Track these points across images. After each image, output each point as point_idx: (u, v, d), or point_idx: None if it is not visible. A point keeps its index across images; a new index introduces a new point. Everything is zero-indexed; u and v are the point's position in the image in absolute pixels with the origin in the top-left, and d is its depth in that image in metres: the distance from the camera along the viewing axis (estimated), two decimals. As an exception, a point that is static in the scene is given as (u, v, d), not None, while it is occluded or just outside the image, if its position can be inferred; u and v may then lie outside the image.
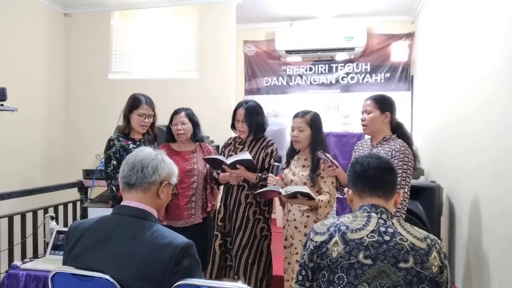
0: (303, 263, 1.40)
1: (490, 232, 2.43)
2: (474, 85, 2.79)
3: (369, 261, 1.28)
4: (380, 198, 1.40)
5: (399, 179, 2.16)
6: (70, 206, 3.76)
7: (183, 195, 2.72)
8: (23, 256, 3.13)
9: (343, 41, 5.25)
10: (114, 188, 2.57)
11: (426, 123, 4.46)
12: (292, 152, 2.63)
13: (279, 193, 2.34)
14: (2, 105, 3.09)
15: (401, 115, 3.18)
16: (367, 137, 2.56)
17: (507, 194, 2.16)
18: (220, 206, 2.85)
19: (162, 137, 2.93)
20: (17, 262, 2.76)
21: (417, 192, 3.10)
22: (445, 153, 3.53)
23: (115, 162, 2.58)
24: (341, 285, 1.29)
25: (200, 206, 2.78)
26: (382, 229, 1.33)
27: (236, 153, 2.73)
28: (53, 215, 3.19)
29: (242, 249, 2.70)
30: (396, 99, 2.49)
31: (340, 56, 5.47)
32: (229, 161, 2.58)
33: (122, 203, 1.41)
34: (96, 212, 3.27)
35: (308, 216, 2.45)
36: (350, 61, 5.49)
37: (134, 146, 2.63)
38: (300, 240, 2.43)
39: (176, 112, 2.80)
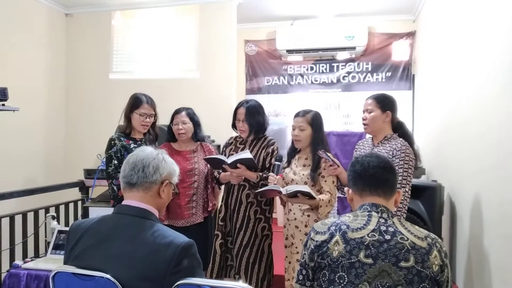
0: (304, 262, 1.40)
1: (491, 231, 2.43)
2: (475, 84, 2.78)
3: (370, 260, 1.28)
4: (380, 197, 1.40)
5: (400, 178, 2.16)
6: (71, 205, 3.77)
7: (184, 194, 2.72)
8: (25, 255, 3.13)
9: (344, 40, 5.25)
10: (115, 188, 2.57)
11: (428, 122, 4.45)
12: (293, 152, 2.62)
13: (280, 192, 2.34)
14: (3, 105, 3.09)
15: (402, 114, 3.18)
16: (368, 136, 2.55)
17: (509, 194, 2.16)
18: (221, 205, 2.85)
19: (163, 136, 2.93)
20: (18, 261, 2.77)
21: (418, 192, 3.10)
22: (447, 152, 3.52)
23: (116, 162, 2.58)
24: (342, 285, 1.29)
25: (201, 206, 2.78)
26: (383, 228, 1.32)
27: (237, 153, 2.73)
28: (54, 214, 3.19)
29: (243, 249, 2.70)
30: (397, 98, 2.48)
31: (341, 55, 5.47)
32: (229, 160, 2.58)
33: (123, 202, 1.41)
34: (97, 212, 3.28)
35: (308, 216, 2.45)
36: (351, 60, 5.49)
37: (135, 145, 2.63)
38: (300, 240, 2.42)
39: (177, 112, 2.80)
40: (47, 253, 2.87)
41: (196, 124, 2.81)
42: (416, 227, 1.37)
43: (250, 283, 2.62)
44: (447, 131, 3.51)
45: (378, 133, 2.38)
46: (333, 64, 5.55)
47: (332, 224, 1.38)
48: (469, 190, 2.82)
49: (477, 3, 2.81)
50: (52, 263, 2.61)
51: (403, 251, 1.28)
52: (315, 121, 2.51)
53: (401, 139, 2.30)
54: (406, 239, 1.30)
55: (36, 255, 3.15)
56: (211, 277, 2.69)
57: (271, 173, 2.51)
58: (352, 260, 1.29)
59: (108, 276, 1.24)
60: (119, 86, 4.79)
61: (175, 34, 4.86)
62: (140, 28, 4.95)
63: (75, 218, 3.75)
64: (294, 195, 2.30)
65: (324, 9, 5.10)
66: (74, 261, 1.34)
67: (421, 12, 4.85)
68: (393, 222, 1.35)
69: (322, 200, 2.33)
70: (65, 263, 1.36)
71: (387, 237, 1.30)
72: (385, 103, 2.36)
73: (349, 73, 5.51)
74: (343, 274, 1.29)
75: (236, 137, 2.89)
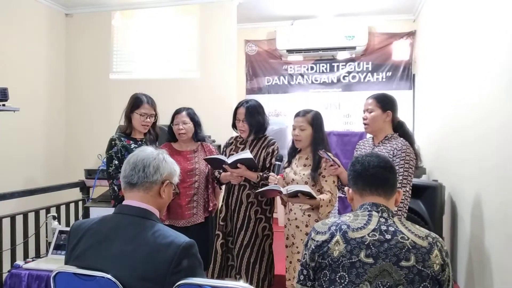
0: (305, 262, 1.40)
1: (492, 230, 2.43)
2: (476, 83, 2.78)
3: (370, 260, 1.28)
4: (380, 197, 1.40)
5: (400, 178, 2.16)
6: (72, 206, 3.77)
7: (184, 194, 2.72)
8: (26, 256, 3.13)
9: (344, 40, 5.25)
10: (116, 188, 2.57)
11: (428, 122, 4.45)
12: (294, 151, 2.62)
13: (280, 192, 2.34)
14: (3, 105, 3.09)
15: (403, 114, 3.17)
16: (368, 136, 2.55)
17: (510, 193, 2.15)
18: (221, 205, 2.85)
19: (164, 137, 2.93)
20: (19, 261, 2.77)
21: (419, 191, 3.10)
22: (447, 152, 3.52)
23: (116, 162, 2.58)
24: (343, 284, 1.29)
25: (201, 206, 2.78)
26: (383, 227, 1.33)
27: (237, 153, 2.73)
28: (55, 215, 3.19)
29: (244, 249, 2.70)
30: (398, 98, 2.48)
31: (341, 55, 5.47)
32: (230, 160, 2.58)
33: (124, 202, 1.41)
34: (98, 212, 3.28)
35: (309, 215, 2.45)
36: (352, 60, 5.49)
37: (136, 146, 2.63)
38: (301, 239, 2.42)
39: (177, 112, 2.80)
40: (48, 253, 2.87)
41: (196, 124, 2.81)
42: (417, 226, 1.37)
43: (251, 283, 2.62)
44: (448, 131, 3.50)
45: (379, 132, 2.38)
46: (333, 64, 5.55)
47: (332, 224, 1.38)
48: (470, 190, 2.82)
49: (478, 3, 2.81)
50: (53, 263, 2.62)
51: (403, 250, 1.28)
52: (316, 121, 2.51)
53: (401, 138, 2.30)
54: (406, 238, 1.30)
55: (37, 255, 3.15)
56: (212, 277, 2.69)
57: (271, 173, 2.51)
58: (353, 260, 1.29)
59: (109, 276, 1.24)
60: (119, 86, 4.79)
61: (175, 34, 4.86)
62: (140, 28, 4.95)
63: (76, 218, 3.75)
64: (294, 195, 2.30)
65: (324, 9, 5.10)
66: (75, 261, 1.34)
67: (421, 11, 4.85)
68: (393, 221, 1.35)
69: (323, 200, 2.33)
70: (66, 263, 1.36)
71: (388, 236, 1.30)
72: (385, 103, 2.36)
73: (349, 73, 5.51)
74: (344, 274, 1.29)
75: (237, 137, 2.89)
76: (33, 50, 4.58)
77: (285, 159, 2.65)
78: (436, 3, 4.11)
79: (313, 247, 1.36)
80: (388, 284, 1.26)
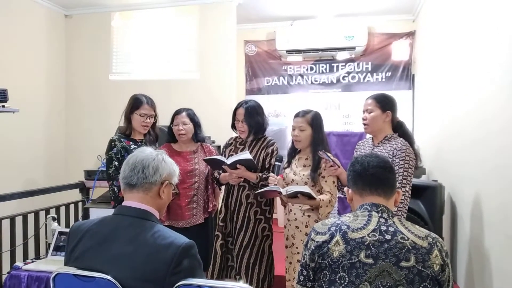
0: (305, 263, 1.40)
1: (492, 230, 2.43)
2: (476, 83, 2.78)
3: (370, 261, 1.28)
4: (380, 197, 1.40)
5: (400, 178, 2.16)
6: (71, 207, 3.77)
7: (184, 195, 2.72)
8: (25, 257, 3.13)
9: (343, 40, 5.25)
10: (115, 189, 2.57)
11: (428, 122, 4.45)
12: (293, 152, 2.62)
13: (280, 193, 2.34)
14: (3, 106, 3.10)
15: (403, 114, 3.18)
16: (368, 136, 2.55)
17: (509, 193, 2.15)
18: (221, 206, 2.85)
19: (163, 138, 2.93)
20: (19, 263, 2.77)
21: (418, 191, 3.09)
22: (447, 152, 3.52)
23: (116, 163, 2.58)
24: (343, 285, 1.29)
25: (201, 207, 2.78)
26: (383, 228, 1.32)
27: (237, 153, 2.73)
28: (55, 216, 3.19)
29: (244, 249, 2.69)
30: (397, 98, 2.48)
31: (341, 56, 5.47)
32: (229, 161, 2.58)
33: (123, 203, 1.41)
34: (98, 213, 3.28)
35: (309, 216, 2.45)
36: (351, 60, 5.49)
37: (136, 146, 2.63)
38: (301, 240, 2.42)
39: (177, 112, 2.80)
40: (48, 254, 2.87)
41: (196, 124, 2.81)
42: (417, 226, 1.37)
43: (250, 284, 2.62)
44: (447, 131, 3.50)
45: (378, 133, 2.38)
46: (333, 64, 5.55)
47: (332, 224, 1.38)
48: (470, 190, 2.82)
49: (478, 3, 2.81)
50: (53, 264, 2.61)
51: (403, 250, 1.28)
52: (315, 121, 2.51)
53: (401, 139, 2.30)
54: (406, 238, 1.30)
55: (37, 256, 3.15)
56: (211, 278, 2.69)
57: (271, 174, 2.51)
58: (353, 260, 1.29)
59: (108, 277, 1.24)
60: (119, 87, 4.79)
61: (174, 35, 4.86)
62: (140, 29, 4.95)
63: (76, 219, 3.75)
64: (294, 195, 2.30)
65: (324, 9, 5.10)
66: (74, 263, 1.34)
67: (421, 11, 4.86)
68: (393, 221, 1.35)
69: (323, 200, 2.33)
70: (66, 264, 1.36)
71: (388, 237, 1.30)
72: (385, 103, 2.36)
73: (349, 73, 5.51)
74: (344, 274, 1.29)
75: (236, 137, 2.89)
76: (32, 51, 4.57)
77: (285, 159, 2.65)
78: (436, 3, 4.12)
79: (313, 248, 1.36)
80: (388, 284, 1.26)
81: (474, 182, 2.74)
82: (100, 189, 3.74)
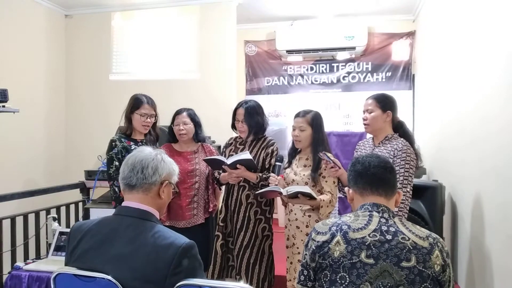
0: (305, 263, 1.40)
1: (493, 230, 2.43)
2: (476, 83, 2.78)
3: (371, 261, 1.28)
4: (381, 197, 1.40)
5: (401, 178, 2.16)
6: (72, 207, 3.77)
7: (185, 195, 2.72)
8: (26, 257, 3.13)
9: (344, 40, 5.24)
10: (116, 189, 2.57)
11: (428, 122, 4.45)
12: (294, 152, 2.62)
13: (280, 193, 2.34)
14: (3, 106, 3.10)
15: (403, 114, 3.18)
16: (369, 136, 2.55)
17: (510, 193, 2.15)
18: (221, 206, 2.85)
19: (164, 138, 2.93)
20: (19, 263, 2.77)
21: (419, 191, 3.09)
22: (447, 152, 3.52)
23: (117, 163, 2.58)
24: (344, 285, 1.29)
25: (202, 207, 2.78)
26: (384, 228, 1.32)
27: (237, 153, 2.73)
28: (55, 216, 3.19)
29: (244, 249, 2.69)
30: (398, 98, 2.48)
31: (341, 56, 5.47)
32: (229, 161, 2.58)
33: (123, 204, 1.41)
34: (98, 213, 3.28)
35: (309, 216, 2.45)
36: (351, 60, 5.48)
37: (136, 147, 2.63)
38: (302, 240, 2.42)
39: (178, 112, 2.80)
40: (48, 254, 2.87)
41: (197, 124, 2.81)
42: (417, 226, 1.36)
43: (251, 284, 2.62)
44: (448, 131, 3.50)
45: (379, 133, 2.38)
46: (333, 64, 5.55)
47: (333, 224, 1.38)
48: (470, 190, 2.82)
49: (478, 3, 2.81)
50: (53, 264, 2.61)
51: (404, 251, 1.27)
52: (315, 121, 2.51)
53: (402, 139, 2.30)
54: (407, 239, 1.30)
55: (38, 256, 3.15)
56: (212, 278, 2.69)
57: (272, 174, 2.51)
58: (354, 261, 1.29)
59: (109, 277, 1.24)
60: (119, 87, 4.78)
61: (175, 35, 4.86)
62: (140, 29, 4.94)
63: (76, 219, 3.75)
64: (294, 195, 2.30)
65: (324, 9, 5.10)
66: (75, 263, 1.34)
67: (421, 11, 4.85)
68: (394, 222, 1.35)
69: (323, 200, 2.33)
70: (66, 264, 1.37)
71: (388, 237, 1.30)
72: (385, 103, 2.36)
73: (349, 73, 5.51)
74: (345, 274, 1.29)
75: (236, 137, 2.89)
76: (32, 51, 4.57)
77: (285, 159, 2.65)
78: (436, 3, 4.11)
79: (314, 248, 1.36)
80: (389, 284, 1.25)
81: (474, 182, 2.74)
82: (100, 189, 3.74)
